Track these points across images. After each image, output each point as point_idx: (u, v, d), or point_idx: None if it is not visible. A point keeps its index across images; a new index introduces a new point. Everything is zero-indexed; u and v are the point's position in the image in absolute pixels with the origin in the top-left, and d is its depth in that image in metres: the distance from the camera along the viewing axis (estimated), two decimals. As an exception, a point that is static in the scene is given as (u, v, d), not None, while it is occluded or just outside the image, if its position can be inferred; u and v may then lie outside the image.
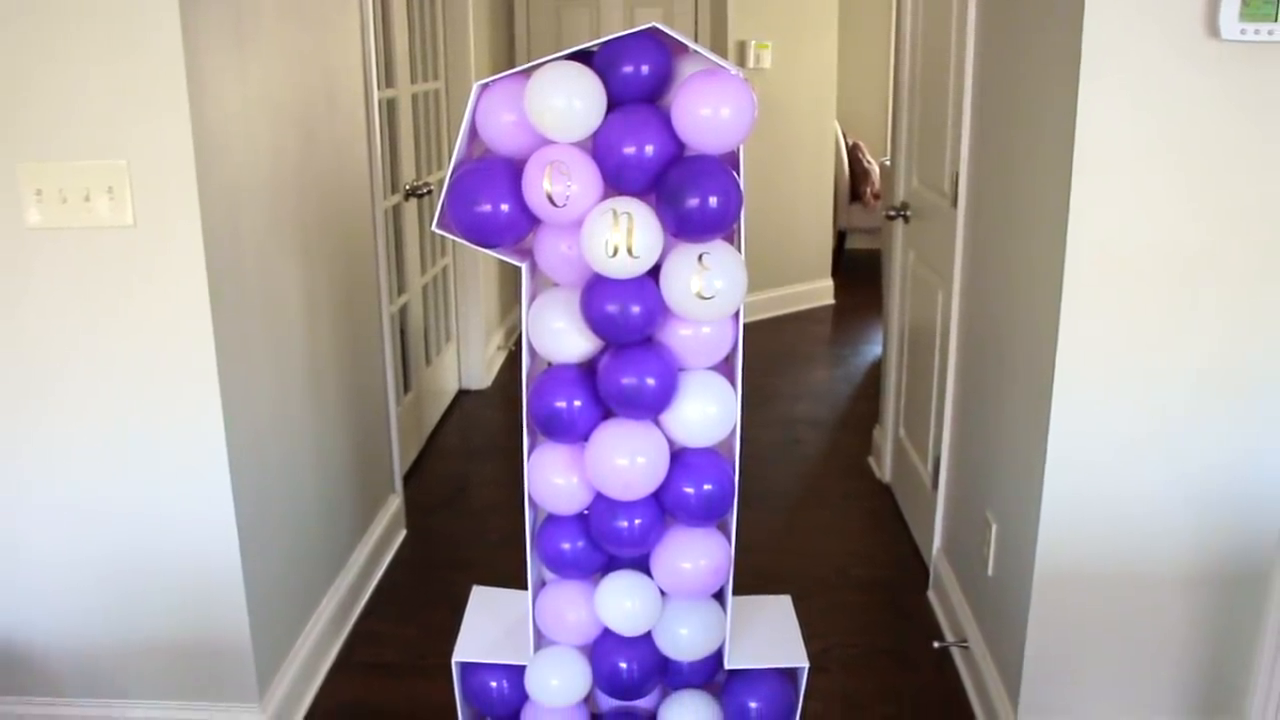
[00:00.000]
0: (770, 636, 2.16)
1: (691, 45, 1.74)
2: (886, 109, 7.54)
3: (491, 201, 1.77)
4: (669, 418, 1.87)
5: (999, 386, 2.54)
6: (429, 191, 4.22)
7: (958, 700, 2.64)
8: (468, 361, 5.03)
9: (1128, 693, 2.29)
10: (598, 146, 1.74)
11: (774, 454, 4.25)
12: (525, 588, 2.08)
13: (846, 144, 7.46)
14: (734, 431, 1.92)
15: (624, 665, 2.05)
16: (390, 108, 3.85)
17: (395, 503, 3.47)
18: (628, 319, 1.77)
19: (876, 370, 5.25)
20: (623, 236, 1.70)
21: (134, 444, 2.23)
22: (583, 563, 2.01)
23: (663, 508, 1.94)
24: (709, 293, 1.73)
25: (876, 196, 7.42)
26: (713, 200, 1.68)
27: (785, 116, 6.11)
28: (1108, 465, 2.16)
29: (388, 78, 3.81)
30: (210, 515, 2.26)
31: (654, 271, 1.79)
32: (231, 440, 2.24)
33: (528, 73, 1.73)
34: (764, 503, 3.77)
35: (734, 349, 1.89)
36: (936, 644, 2.82)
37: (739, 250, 1.80)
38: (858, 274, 7.38)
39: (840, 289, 6.85)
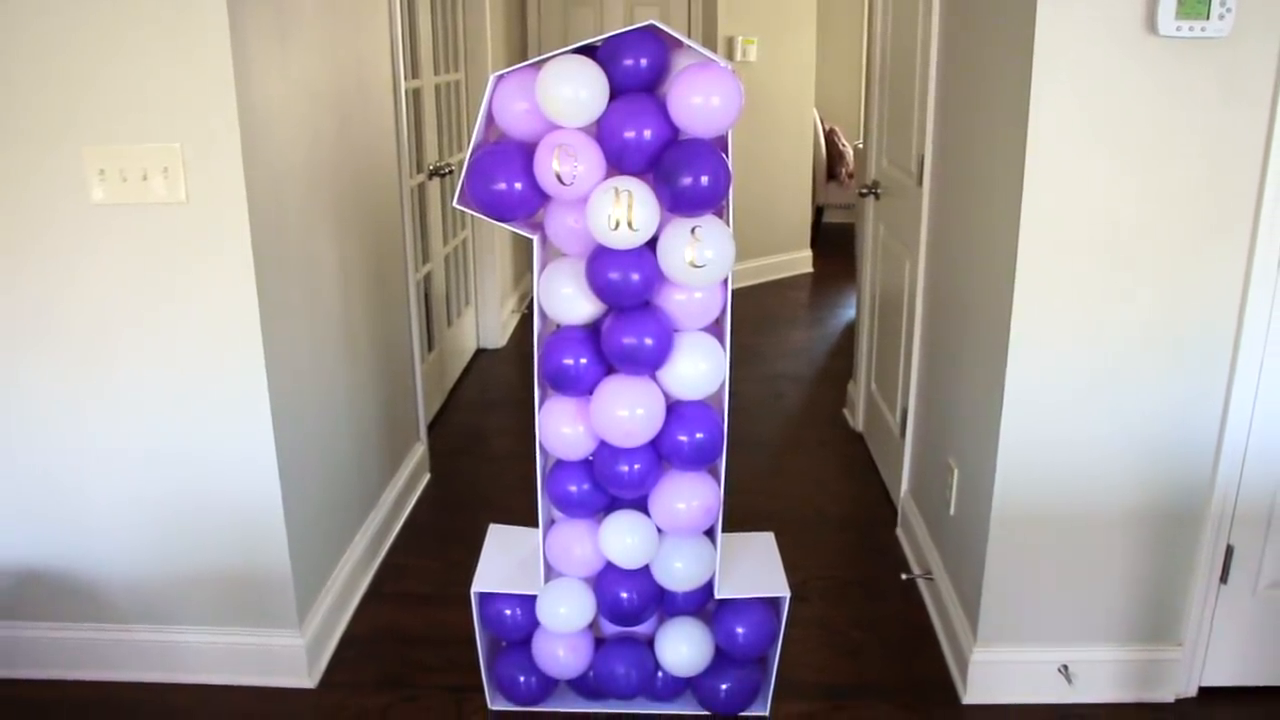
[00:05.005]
0: (755, 569, 2.18)
1: (685, 40, 1.73)
2: (860, 97, 7.49)
3: (506, 180, 1.77)
4: (665, 373, 1.88)
5: (960, 345, 2.55)
6: (450, 171, 4.20)
7: (923, 626, 2.66)
8: (485, 323, 5.03)
9: (1076, 620, 2.31)
10: (601, 131, 1.73)
11: (759, 406, 4.26)
12: (537, 526, 2.09)
13: (824, 128, 7.41)
14: (723, 386, 1.93)
15: (625, 595, 2.06)
16: (415, 96, 3.83)
17: (420, 449, 3.48)
18: (628, 285, 1.77)
19: (850, 331, 5.25)
20: (624, 211, 1.70)
21: (186, 397, 2.23)
22: (588, 503, 2.02)
23: (659, 454, 1.95)
24: (701, 262, 1.73)
25: (850, 176, 7.38)
26: (704, 179, 1.67)
27: (769, 104, 6.07)
28: (1058, 415, 2.16)
29: (413, 69, 3.78)
30: (254, 461, 2.27)
31: (652, 243, 1.79)
32: (274, 394, 2.25)
33: (538, 65, 1.72)
34: (750, 450, 3.78)
35: (723, 312, 1.90)
36: (904, 576, 2.84)
37: (728, 224, 1.80)
38: (833, 245, 7.36)
39: (818, 259, 6.83)
